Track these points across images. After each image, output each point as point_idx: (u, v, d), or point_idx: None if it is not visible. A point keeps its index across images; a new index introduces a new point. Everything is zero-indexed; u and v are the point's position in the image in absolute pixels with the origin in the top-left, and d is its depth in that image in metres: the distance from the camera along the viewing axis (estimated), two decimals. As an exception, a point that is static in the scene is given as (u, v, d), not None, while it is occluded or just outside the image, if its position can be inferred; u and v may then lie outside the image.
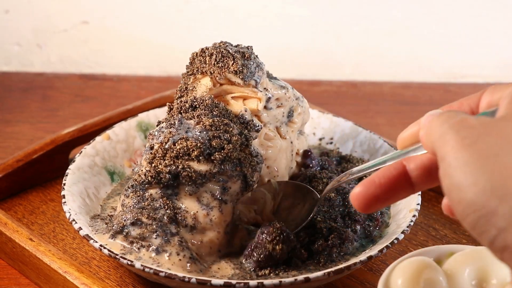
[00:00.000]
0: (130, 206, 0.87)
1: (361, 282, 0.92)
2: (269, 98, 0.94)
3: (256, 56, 0.94)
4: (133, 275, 0.91)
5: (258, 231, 0.87)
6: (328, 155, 1.05)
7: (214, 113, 0.88)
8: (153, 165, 0.86)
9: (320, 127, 1.10)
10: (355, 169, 0.76)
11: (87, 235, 0.85)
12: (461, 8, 1.45)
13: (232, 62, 0.91)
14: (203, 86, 0.92)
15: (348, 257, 0.89)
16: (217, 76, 0.91)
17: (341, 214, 0.93)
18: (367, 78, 1.47)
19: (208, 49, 0.93)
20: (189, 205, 0.86)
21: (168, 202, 0.86)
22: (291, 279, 0.81)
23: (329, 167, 1.01)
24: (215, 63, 0.91)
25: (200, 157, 0.85)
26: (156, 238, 0.85)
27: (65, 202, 0.90)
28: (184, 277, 0.80)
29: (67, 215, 0.88)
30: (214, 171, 0.85)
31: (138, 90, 1.41)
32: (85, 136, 1.08)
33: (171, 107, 0.91)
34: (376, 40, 1.47)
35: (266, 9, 1.46)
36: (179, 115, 0.89)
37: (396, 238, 0.87)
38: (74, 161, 0.98)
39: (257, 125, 0.90)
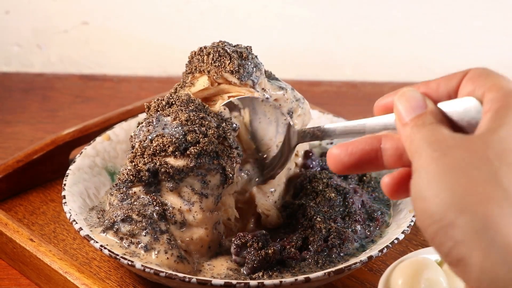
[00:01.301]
0: (116, 204, 0.87)
1: (362, 282, 0.92)
2: (267, 98, 0.93)
3: (256, 56, 0.94)
4: (133, 275, 0.91)
5: (232, 245, 0.88)
6: (328, 155, 1.05)
7: (190, 108, 0.88)
8: (133, 163, 0.87)
9: (320, 127, 1.10)
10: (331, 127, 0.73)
11: (88, 235, 0.85)
12: (461, 8, 1.45)
13: (229, 61, 0.91)
14: (200, 84, 0.92)
15: (348, 257, 0.89)
16: (214, 75, 0.91)
17: (341, 214, 0.93)
18: (367, 78, 1.47)
19: (206, 48, 0.93)
20: (172, 201, 0.87)
21: (156, 198, 0.87)
22: (291, 279, 0.81)
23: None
24: (212, 62, 0.91)
25: (176, 153, 0.85)
26: (145, 235, 0.85)
27: (65, 202, 0.90)
28: (185, 277, 0.80)
29: (68, 215, 0.88)
30: (191, 165, 0.85)
31: (138, 91, 1.41)
32: (86, 137, 1.08)
33: (149, 106, 0.91)
34: (376, 40, 1.47)
35: (266, 9, 1.46)
36: (157, 112, 0.89)
37: (397, 238, 0.87)
38: (74, 162, 0.98)
39: (234, 124, 0.90)
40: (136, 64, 1.47)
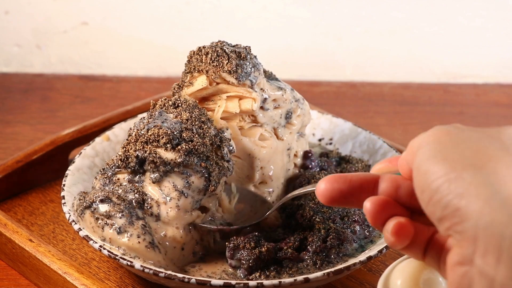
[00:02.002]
0: (98, 188, 0.88)
1: (361, 283, 0.92)
2: (265, 99, 0.94)
3: (255, 56, 0.94)
4: (132, 275, 0.91)
5: (226, 251, 0.88)
6: (328, 155, 1.05)
7: (195, 112, 0.89)
8: (124, 149, 0.88)
9: (320, 127, 1.10)
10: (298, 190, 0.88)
11: (87, 235, 0.85)
12: (461, 8, 1.45)
13: (227, 61, 0.91)
14: (198, 84, 0.92)
15: (347, 257, 0.89)
16: (212, 75, 0.91)
17: (340, 214, 0.93)
18: (367, 79, 1.47)
19: (204, 47, 0.93)
20: (151, 193, 0.87)
21: (138, 187, 0.87)
22: (290, 279, 0.81)
23: (328, 168, 1.01)
24: (210, 62, 0.92)
25: (168, 145, 0.86)
26: (121, 218, 0.85)
27: (64, 203, 0.90)
28: (184, 277, 0.80)
29: (67, 216, 0.88)
30: (178, 160, 0.86)
31: (138, 91, 1.41)
32: (85, 137, 1.08)
33: (155, 104, 0.92)
34: (376, 40, 1.48)
35: (267, 10, 1.46)
36: (160, 109, 0.90)
37: (396, 239, 0.87)
38: (73, 162, 0.98)
39: (231, 146, 0.90)
40: (136, 64, 1.47)
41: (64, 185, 0.94)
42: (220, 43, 0.94)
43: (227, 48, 0.92)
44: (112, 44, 1.47)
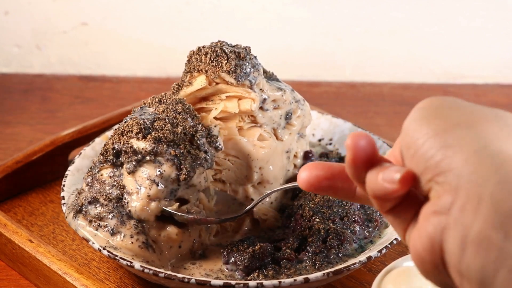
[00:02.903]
0: (86, 188, 0.89)
1: (361, 283, 0.92)
2: (265, 99, 0.94)
3: (254, 57, 0.94)
4: (132, 276, 0.91)
5: (222, 256, 0.88)
6: (328, 156, 1.05)
7: (178, 108, 0.89)
8: (104, 144, 0.89)
9: (320, 128, 1.10)
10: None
11: (87, 236, 0.85)
12: (461, 8, 1.45)
13: (226, 61, 0.91)
14: (198, 84, 0.92)
15: (347, 258, 0.89)
16: (211, 75, 0.91)
17: (340, 215, 0.93)
18: (367, 79, 1.47)
19: (204, 47, 0.93)
20: (128, 186, 0.87)
21: (118, 181, 0.87)
22: (290, 279, 0.81)
23: (328, 168, 1.01)
24: (210, 62, 0.92)
25: (139, 135, 0.86)
26: (112, 218, 0.86)
27: (64, 203, 0.90)
28: (184, 277, 0.80)
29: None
30: (148, 149, 0.86)
31: (137, 92, 1.41)
32: (85, 138, 1.08)
33: (145, 103, 0.93)
34: (376, 40, 1.47)
35: (266, 11, 1.46)
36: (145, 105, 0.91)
37: (396, 239, 0.87)
38: (73, 163, 0.98)
39: (218, 143, 0.90)
40: (136, 65, 1.47)
41: (64, 185, 0.94)
42: (220, 43, 0.94)
43: (227, 48, 0.92)
44: (111, 44, 1.47)
